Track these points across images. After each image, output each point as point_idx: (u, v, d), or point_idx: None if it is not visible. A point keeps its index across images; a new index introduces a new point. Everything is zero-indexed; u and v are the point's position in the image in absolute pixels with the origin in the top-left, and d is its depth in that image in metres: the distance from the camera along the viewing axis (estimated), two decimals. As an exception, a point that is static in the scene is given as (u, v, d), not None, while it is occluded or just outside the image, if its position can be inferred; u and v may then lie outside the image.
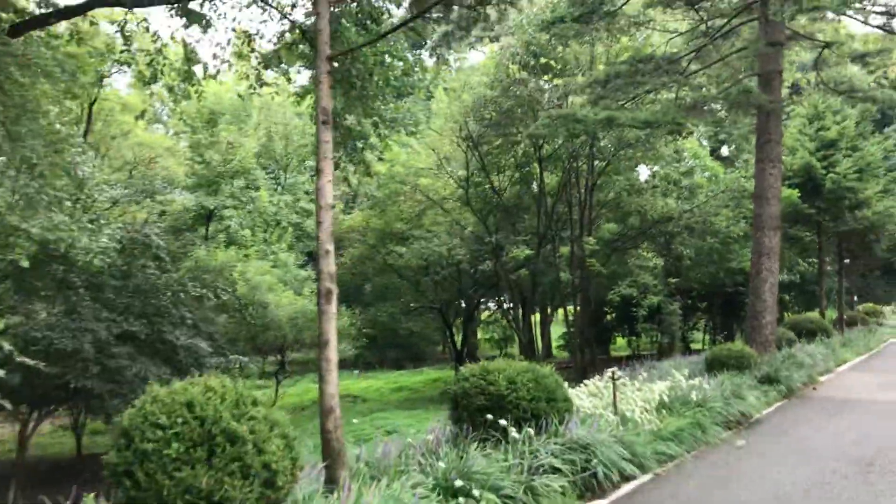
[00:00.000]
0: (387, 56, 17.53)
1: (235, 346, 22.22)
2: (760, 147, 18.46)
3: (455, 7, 8.63)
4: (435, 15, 9.26)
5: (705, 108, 19.34)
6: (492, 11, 8.69)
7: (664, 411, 11.70)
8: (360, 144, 19.11)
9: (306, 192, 40.78)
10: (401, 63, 17.87)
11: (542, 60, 22.90)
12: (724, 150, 47.60)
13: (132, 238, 16.82)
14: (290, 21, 16.92)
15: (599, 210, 27.62)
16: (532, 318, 34.58)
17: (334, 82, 19.04)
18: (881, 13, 16.65)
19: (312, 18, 17.97)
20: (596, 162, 25.90)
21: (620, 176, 27.43)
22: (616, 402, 10.84)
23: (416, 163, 28.69)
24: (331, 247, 8.59)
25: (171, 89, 18.01)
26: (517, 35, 23.63)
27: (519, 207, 28.32)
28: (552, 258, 26.48)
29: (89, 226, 18.14)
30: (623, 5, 18.75)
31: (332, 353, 8.24)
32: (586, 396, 11.56)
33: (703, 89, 21.13)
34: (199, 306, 17.96)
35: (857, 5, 16.12)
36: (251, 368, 24.18)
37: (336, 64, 16.88)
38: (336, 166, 20.16)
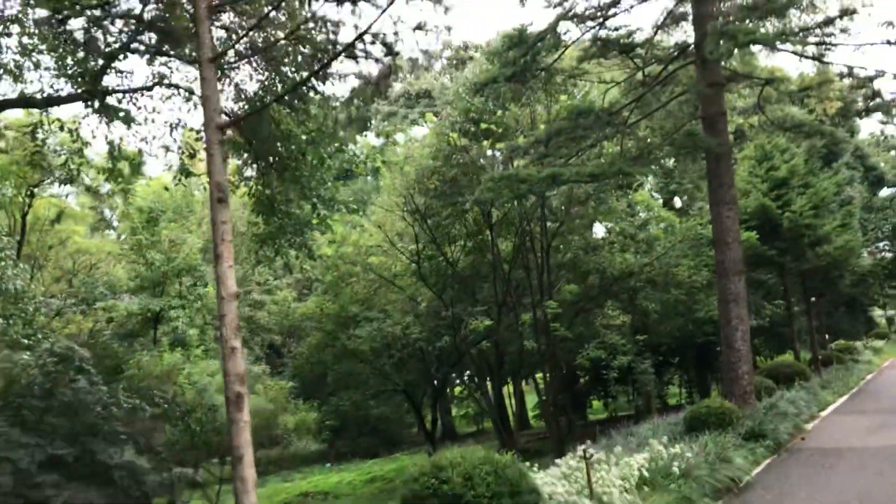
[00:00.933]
0: (325, 138, 16.83)
1: (191, 455, 20.77)
2: (714, 191, 17.87)
3: (359, 61, 7.90)
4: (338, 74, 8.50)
5: (651, 156, 18.79)
6: (403, 63, 7.93)
7: (646, 487, 10.58)
8: (299, 228, 18.34)
9: (258, 283, 39.51)
10: (335, 143, 17.20)
11: (483, 126, 22.29)
12: (677, 202, 47.51)
13: (55, 352, 15.46)
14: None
15: (558, 272, 26.77)
16: (505, 388, 33.32)
17: (267, 167, 18.18)
18: (816, 43, 16.30)
19: (239, 104, 17.25)
20: (549, 223, 25.17)
21: (575, 235, 26.72)
22: (591, 485, 9.70)
23: (366, 241, 27.76)
24: (237, 343, 7.53)
25: (88, 189, 17.05)
26: (455, 103, 23.14)
27: (475, 277, 27.37)
28: (515, 326, 25.43)
29: (25, 341, 16.83)
30: (555, 62, 18.29)
31: (248, 471, 7.07)
32: (558, 480, 10.38)
33: (648, 139, 20.64)
34: (136, 418, 16.50)
35: (794, 38, 15.75)
36: (210, 476, 22.55)
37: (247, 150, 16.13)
38: (276, 252, 19.18)
